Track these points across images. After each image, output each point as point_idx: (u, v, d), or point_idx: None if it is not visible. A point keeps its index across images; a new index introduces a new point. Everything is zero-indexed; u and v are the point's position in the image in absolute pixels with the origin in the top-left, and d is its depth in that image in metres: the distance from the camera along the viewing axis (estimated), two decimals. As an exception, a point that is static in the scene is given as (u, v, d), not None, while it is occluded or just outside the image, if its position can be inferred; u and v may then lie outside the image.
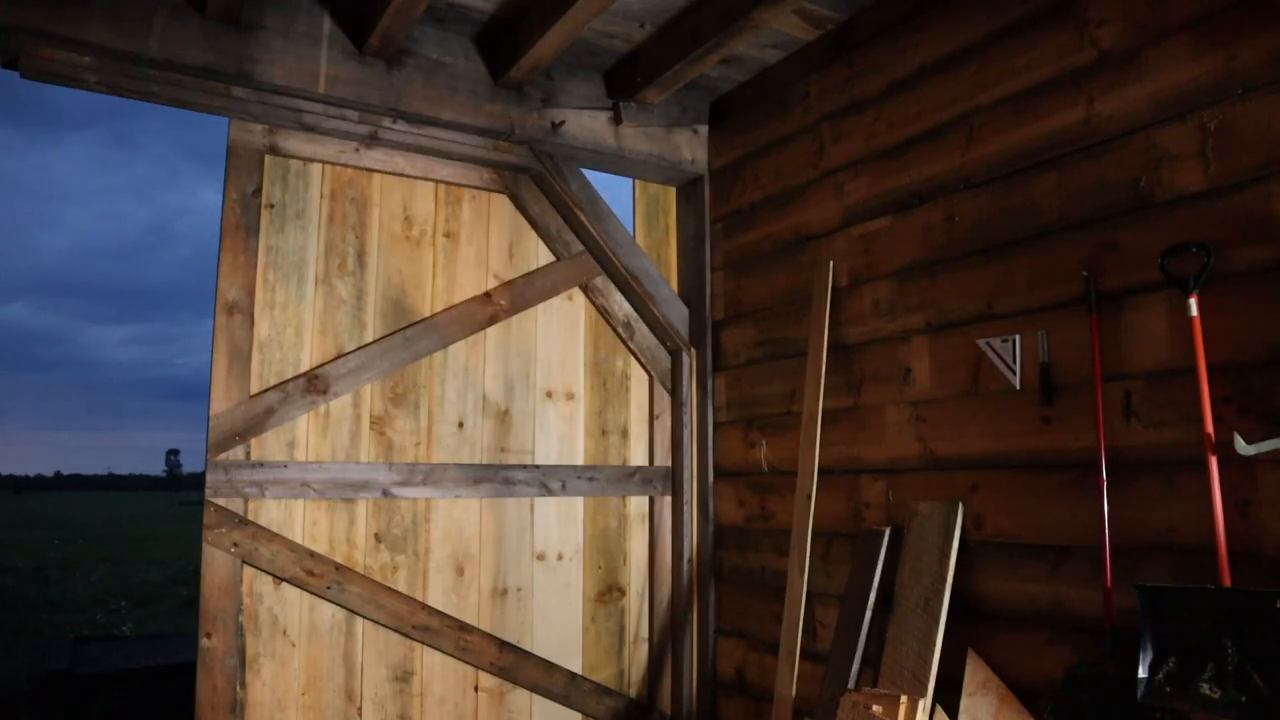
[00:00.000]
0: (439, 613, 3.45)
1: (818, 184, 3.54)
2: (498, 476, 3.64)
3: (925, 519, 2.93)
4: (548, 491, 3.75)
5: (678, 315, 4.06)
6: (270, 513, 3.19)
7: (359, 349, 3.41)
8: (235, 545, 3.10)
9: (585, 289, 3.94)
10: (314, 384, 3.29)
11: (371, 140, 3.45)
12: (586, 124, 3.79)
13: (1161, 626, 2.17)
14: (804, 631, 3.36)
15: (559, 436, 3.84)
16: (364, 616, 3.32)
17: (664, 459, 4.05)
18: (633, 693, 3.89)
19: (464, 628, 3.49)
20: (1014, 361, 2.73)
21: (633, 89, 3.73)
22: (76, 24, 2.86)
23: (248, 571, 3.13)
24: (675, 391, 4.07)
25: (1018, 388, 2.71)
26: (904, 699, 2.60)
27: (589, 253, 3.90)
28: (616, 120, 3.83)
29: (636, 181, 4.19)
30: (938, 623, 2.73)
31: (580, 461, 3.87)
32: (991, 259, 2.83)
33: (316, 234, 3.39)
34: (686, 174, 4.12)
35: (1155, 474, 2.35)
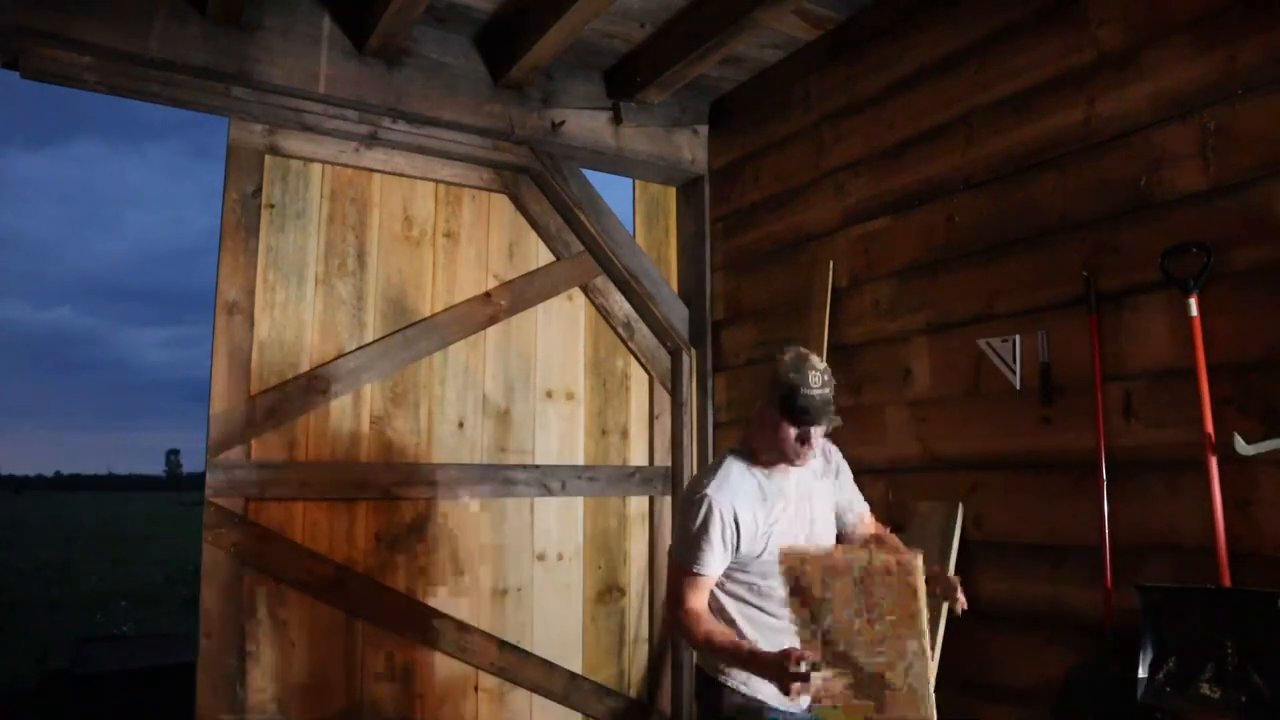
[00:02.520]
0: (439, 613, 3.44)
1: (818, 184, 3.53)
2: (498, 476, 3.64)
3: (925, 519, 2.92)
4: (548, 491, 3.74)
5: (678, 315, 4.05)
6: (270, 513, 3.19)
7: (359, 349, 3.40)
8: (235, 545, 3.09)
9: (585, 289, 3.94)
10: (314, 384, 3.29)
11: (371, 140, 3.45)
12: (586, 124, 3.79)
13: (1161, 626, 2.18)
14: (804, 631, 3.35)
15: (559, 436, 3.83)
16: (364, 617, 3.31)
17: (664, 459, 4.04)
18: (633, 693, 3.89)
19: (464, 628, 3.49)
20: (1014, 361, 2.73)
21: (633, 89, 3.72)
22: (76, 24, 2.85)
23: (248, 571, 3.13)
24: (675, 391, 4.07)
25: (1018, 388, 2.71)
26: (904, 699, 2.59)
27: (589, 253, 3.90)
28: (616, 120, 3.83)
29: (636, 181, 4.19)
30: (938, 623, 2.73)
31: (580, 461, 3.87)
32: (991, 259, 2.83)
33: (316, 234, 3.39)
34: (686, 174, 4.12)
35: (1155, 474, 2.35)
